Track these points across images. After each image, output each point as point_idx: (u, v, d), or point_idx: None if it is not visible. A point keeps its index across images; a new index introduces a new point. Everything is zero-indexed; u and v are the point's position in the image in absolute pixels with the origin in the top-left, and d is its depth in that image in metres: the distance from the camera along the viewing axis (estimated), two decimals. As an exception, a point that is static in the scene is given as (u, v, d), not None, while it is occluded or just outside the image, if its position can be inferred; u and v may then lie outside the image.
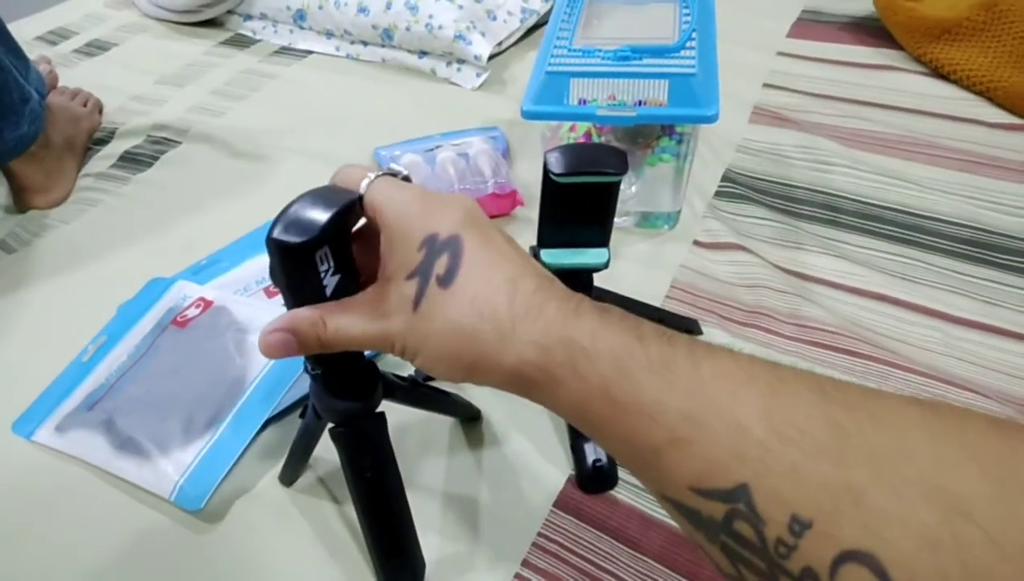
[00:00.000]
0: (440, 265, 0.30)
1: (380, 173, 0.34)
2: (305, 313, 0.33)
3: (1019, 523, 0.20)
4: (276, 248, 0.32)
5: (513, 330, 0.29)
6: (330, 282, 0.34)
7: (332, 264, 0.34)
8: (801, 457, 0.23)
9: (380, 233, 0.33)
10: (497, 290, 0.30)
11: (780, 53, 1.00)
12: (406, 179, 0.36)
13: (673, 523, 0.48)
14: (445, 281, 0.30)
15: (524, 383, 0.29)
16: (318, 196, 0.34)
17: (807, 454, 0.23)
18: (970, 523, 0.20)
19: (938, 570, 0.20)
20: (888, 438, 0.23)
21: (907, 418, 0.23)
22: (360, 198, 0.34)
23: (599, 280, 0.52)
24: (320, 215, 0.32)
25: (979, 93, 0.87)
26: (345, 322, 0.33)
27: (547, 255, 0.48)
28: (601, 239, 0.47)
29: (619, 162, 0.42)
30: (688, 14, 0.67)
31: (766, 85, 0.93)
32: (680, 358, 0.27)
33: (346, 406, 0.41)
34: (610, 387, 0.27)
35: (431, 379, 0.59)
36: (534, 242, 0.49)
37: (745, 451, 0.24)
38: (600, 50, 0.63)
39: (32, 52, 0.86)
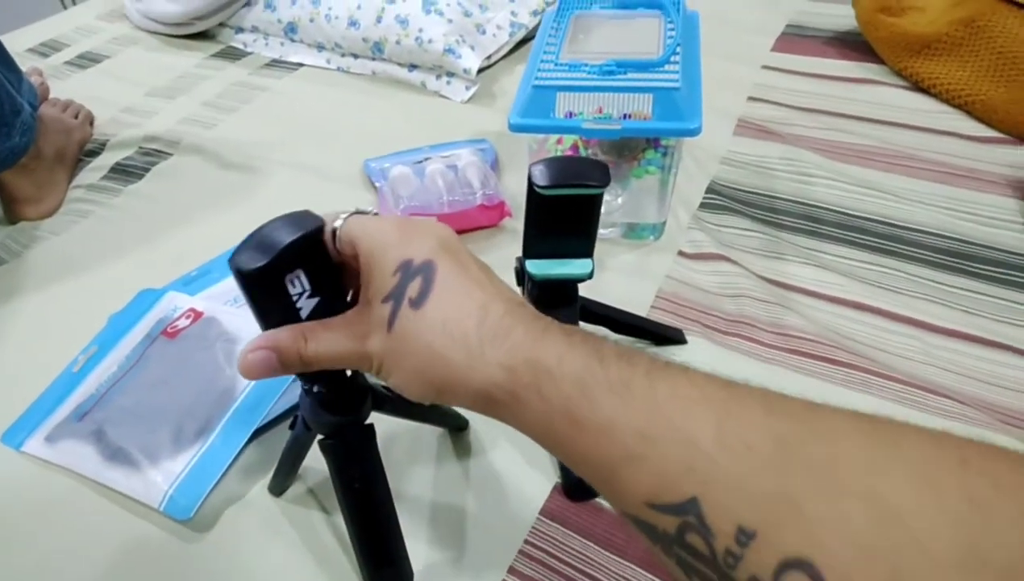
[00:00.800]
0: (413, 288, 0.32)
1: (351, 212, 0.35)
2: (286, 332, 0.34)
3: (950, 529, 0.20)
4: (235, 274, 0.33)
5: (482, 353, 0.30)
6: (306, 305, 0.35)
7: (308, 287, 0.35)
8: (747, 470, 0.24)
9: (357, 263, 0.34)
10: (468, 314, 0.31)
11: (765, 67, 1.02)
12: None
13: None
14: (417, 303, 0.31)
15: (491, 404, 0.30)
16: (283, 222, 0.34)
17: (752, 467, 0.24)
18: (902, 528, 0.21)
19: (871, 575, 0.21)
20: (826, 448, 0.24)
21: (845, 429, 0.24)
22: (322, 229, 0.35)
23: (585, 290, 0.53)
24: (279, 241, 0.33)
25: (958, 106, 0.89)
26: (326, 340, 0.34)
27: (532, 266, 0.48)
28: (586, 250, 0.48)
29: (602, 175, 0.43)
30: (672, 29, 0.68)
31: (751, 98, 0.95)
32: (638, 378, 0.28)
33: (335, 419, 0.42)
34: (571, 407, 0.28)
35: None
36: (520, 253, 0.50)
37: (696, 465, 0.25)
38: (586, 64, 0.64)
39: (24, 64, 0.86)
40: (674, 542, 0.25)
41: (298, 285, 0.35)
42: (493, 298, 0.32)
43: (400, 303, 0.32)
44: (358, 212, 0.36)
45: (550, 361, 0.29)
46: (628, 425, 0.27)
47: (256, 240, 0.33)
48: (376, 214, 0.36)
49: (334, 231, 0.35)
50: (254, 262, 0.33)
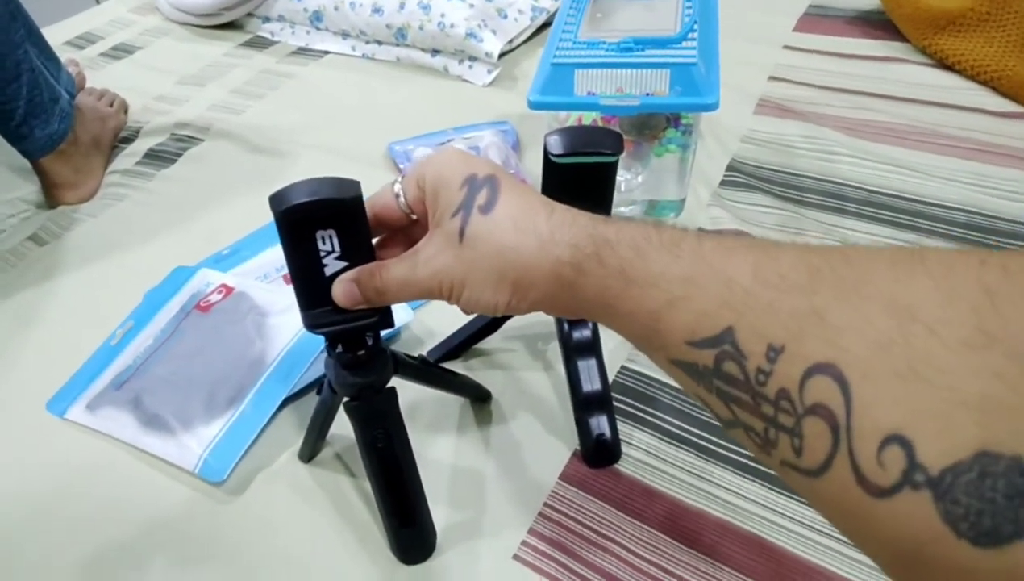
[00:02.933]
0: (481, 197, 0.34)
1: (402, 176, 0.38)
2: (366, 267, 0.38)
3: (960, 314, 0.21)
4: (272, 208, 0.36)
5: (552, 237, 0.32)
6: (332, 265, 0.37)
7: (338, 249, 0.37)
8: (778, 295, 0.25)
9: (425, 201, 0.37)
10: (536, 211, 0.34)
11: (786, 47, 1.01)
12: None
13: (676, 494, 0.51)
14: (487, 208, 0.34)
15: (559, 285, 0.32)
16: (330, 181, 0.36)
17: (783, 292, 0.25)
18: (916, 322, 0.22)
19: (889, 366, 0.22)
20: (855, 269, 0.25)
21: (876, 254, 0.25)
22: (361, 198, 0.37)
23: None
24: (319, 192, 0.35)
25: (983, 83, 0.88)
26: (397, 271, 0.36)
27: (550, 236, 0.49)
28: (602, 220, 0.49)
29: (615, 143, 0.44)
30: (690, 7, 0.69)
31: (772, 78, 0.95)
32: (689, 238, 0.30)
33: (359, 380, 0.44)
34: (626, 267, 0.30)
35: (443, 361, 0.61)
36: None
37: (732, 299, 0.27)
38: (604, 42, 0.65)
39: (61, 56, 0.89)
40: (713, 375, 0.27)
41: (328, 243, 0.37)
42: (553, 202, 0.35)
43: (471, 211, 0.34)
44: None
45: (609, 232, 0.31)
46: (675, 274, 0.29)
47: (301, 186, 0.36)
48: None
49: (397, 194, 0.38)
50: (290, 200, 0.35)
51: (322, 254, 0.37)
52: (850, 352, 0.23)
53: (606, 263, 0.31)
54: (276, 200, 0.36)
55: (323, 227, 0.36)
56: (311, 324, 0.39)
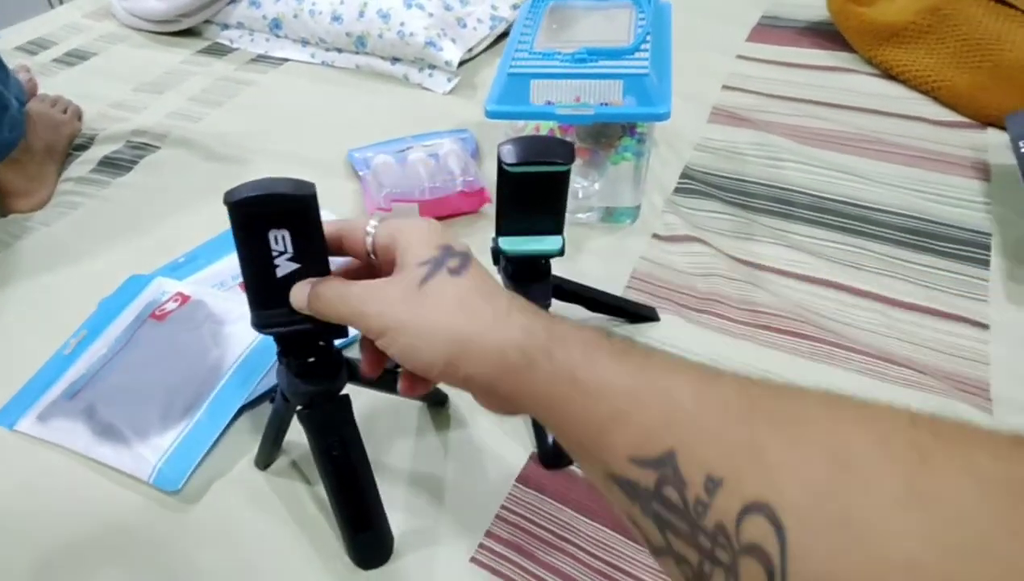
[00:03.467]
0: (453, 262, 0.35)
1: (381, 218, 0.39)
2: (331, 280, 0.38)
3: (893, 471, 0.22)
4: (226, 202, 0.36)
5: (508, 314, 0.33)
6: (285, 266, 0.38)
7: (290, 250, 0.37)
8: (719, 423, 0.26)
9: (395, 253, 0.36)
10: (499, 289, 0.35)
11: (739, 56, 1.04)
12: None
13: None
14: (456, 271, 0.35)
15: (503, 368, 0.32)
16: (284, 179, 0.37)
17: (725, 420, 0.26)
18: (853, 472, 0.23)
19: (824, 517, 0.22)
20: (794, 407, 0.26)
21: (813, 396, 0.27)
22: (315, 197, 0.37)
23: (563, 271, 0.55)
24: (273, 188, 0.36)
25: (925, 92, 0.92)
26: (354, 294, 0.36)
27: (505, 242, 0.51)
28: (555, 227, 0.50)
29: (566, 153, 0.45)
30: (643, 18, 0.71)
31: (725, 87, 0.97)
32: (637, 350, 0.31)
33: (311, 388, 0.44)
34: (575, 369, 0.30)
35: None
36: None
37: (675, 421, 0.27)
38: (559, 53, 0.67)
39: (12, 62, 0.88)
40: (653, 498, 0.27)
41: (280, 243, 0.37)
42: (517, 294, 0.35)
43: (439, 268, 0.34)
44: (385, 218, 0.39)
45: (564, 329, 0.32)
46: (621, 385, 0.29)
47: (257, 182, 0.36)
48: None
49: (368, 232, 0.38)
50: (243, 193, 0.36)
51: (274, 254, 0.37)
52: (786, 495, 0.23)
53: (555, 360, 0.31)
54: (230, 193, 0.36)
55: (276, 226, 0.36)
56: (259, 323, 0.39)
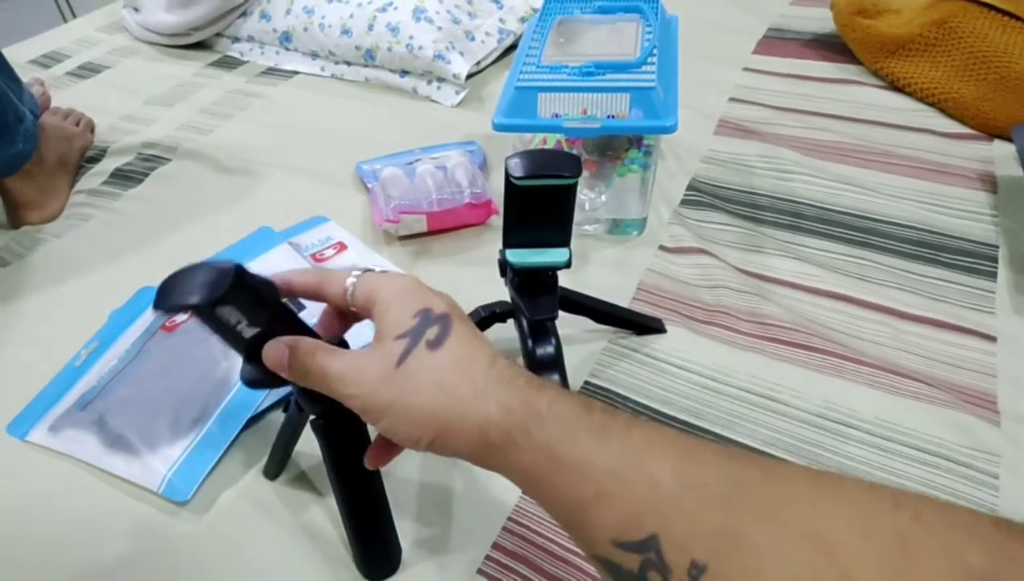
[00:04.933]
0: (431, 332, 0.34)
1: (363, 270, 0.38)
2: (308, 340, 0.37)
3: (875, 560, 0.23)
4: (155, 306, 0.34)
5: (486, 391, 0.32)
6: (249, 332, 0.36)
7: (244, 319, 0.35)
8: (701, 506, 0.26)
9: (371, 311, 0.36)
10: (479, 360, 0.34)
11: (746, 69, 1.05)
12: None
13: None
14: (433, 345, 0.34)
15: (484, 445, 0.32)
16: (197, 269, 0.34)
17: (706, 504, 0.26)
18: (835, 561, 0.23)
19: None
20: (775, 489, 0.26)
21: (793, 476, 0.27)
22: (234, 273, 0.34)
23: (569, 282, 0.55)
24: (183, 298, 0.33)
25: (931, 105, 0.92)
26: (330, 366, 0.35)
27: (512, 255, 0.51)
28: (562, 239, 0.51)
29: (574, 166, 0.46)
30: (650, 31, 0.71)
31: (732, 99, 0.97)
32: (617, 424, 0.30)
33: (325, 399, 0.44)
34: (554, 446, 0.30)
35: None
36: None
37: (657, 503, 0.27)
38: (566, 66, 0.67)
39: (26, 75, 0.89)
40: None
41: (234, 316, 0.35)
42: (500, 355, 0.34)
43: (417, 342, 0.34)
44: (368, 270, 0.38)
45: (542, 404, 0.31)
46: (602, 464, 0.29)
47: (178, 280, 0.34)
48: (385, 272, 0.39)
49: (347, 289, 0.37)
50: (170, 300, 0.33)
51: (233, 323, 0.35)
52: None
53: (534, 437, 0.31)
54: (161, 296, 0.34)
55: (220, 305, 0.34)
56: (244, 379, 0.39)
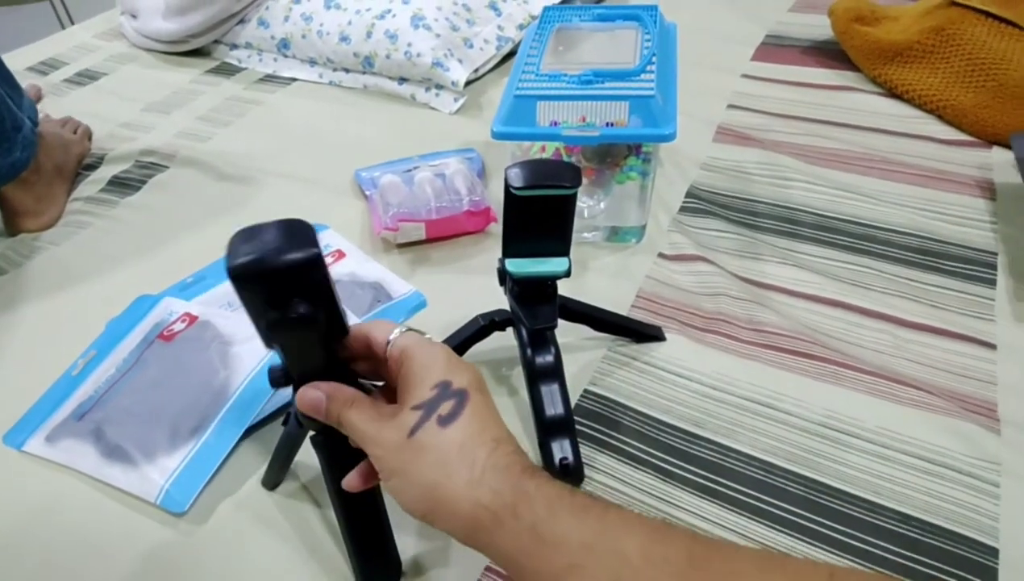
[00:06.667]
0: (445, 407, 0.36)
1: (407, 328, 0.40)
2: (347, 390, 0.39)
3: None
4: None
5: (481, 478, 0.34)
6: (299, 309, 0.35)
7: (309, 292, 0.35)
8: (659, 577, 0.30)
9: (400, 372, 0.38)
10: (483, 443, 0.35)
11: (744, 75, 1.05)
12: None
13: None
14: (445, 421, 0.35)
15: (475, 527, 0.34)
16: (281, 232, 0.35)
17: (665, 577, 0.30)
18: None
19: None
20: (727, 566, 0.30)
21: (745, 553, 0.31)
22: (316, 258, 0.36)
23: (568, 290, 0.55)
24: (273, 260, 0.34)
25: (930, 111, 0.92)
26: (359, 421, 0.38)
27: (511, 264, 0.51)
28: (562, 249, 0.50)
29: (574, 176, 0.46)
30: (649, 40, 0.71)
31: (730, 106, 0.98)
32: (598, 506, 0.33)
33: None
34: (537, 523, 0.32)
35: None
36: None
37: (622, 575, 0.30)
38: (565, 75, 0.67)
39: (23, 81, 0.89)
40: None
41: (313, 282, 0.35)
42: (507, 437, 0.37)
43: (429, 416, 0.36)
44: (411, 330, 0.40)
45: (530, 487, 0.34)
46: (578, 538, 0.32)
47: (252, 240, 0.34)
48: (429, 337, 0.40)
49: (389, 341, 0.39)
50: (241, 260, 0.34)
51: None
52: None
53: (520, 516, 0.33)
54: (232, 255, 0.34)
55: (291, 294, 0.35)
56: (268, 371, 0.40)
